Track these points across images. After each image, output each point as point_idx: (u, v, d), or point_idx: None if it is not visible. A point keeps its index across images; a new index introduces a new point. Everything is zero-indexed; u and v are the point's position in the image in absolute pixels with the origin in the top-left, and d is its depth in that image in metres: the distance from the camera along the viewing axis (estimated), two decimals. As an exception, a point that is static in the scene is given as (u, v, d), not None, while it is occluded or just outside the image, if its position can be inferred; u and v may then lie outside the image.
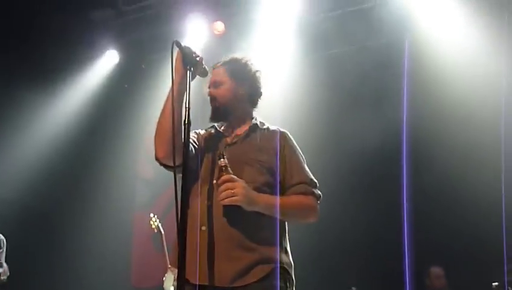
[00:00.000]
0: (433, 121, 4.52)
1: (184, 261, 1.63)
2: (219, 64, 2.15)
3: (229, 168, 1.90)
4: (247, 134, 2.09)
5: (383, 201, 4.46)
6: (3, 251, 3.48)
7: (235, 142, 2.08)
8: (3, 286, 4.19)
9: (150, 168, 5.81)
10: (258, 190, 1.94)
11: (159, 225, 4.49)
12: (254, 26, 5.04)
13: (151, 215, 4.59)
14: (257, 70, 2.17)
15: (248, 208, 1.89)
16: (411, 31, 4.59)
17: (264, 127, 2.14)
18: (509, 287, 3.65)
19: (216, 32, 5.16)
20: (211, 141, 2.11)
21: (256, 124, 2.13)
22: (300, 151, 2.13)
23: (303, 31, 4.97)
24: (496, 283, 3.50)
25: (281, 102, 4.30)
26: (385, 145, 4.41)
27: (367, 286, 4.22)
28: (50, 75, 5.43)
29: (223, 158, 1.91)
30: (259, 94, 2.18)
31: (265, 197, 1.94)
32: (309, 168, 2.11)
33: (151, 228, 4.50)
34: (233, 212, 1.88)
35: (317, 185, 2.09)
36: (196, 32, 5.18)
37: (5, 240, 3.50)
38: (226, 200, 1.85)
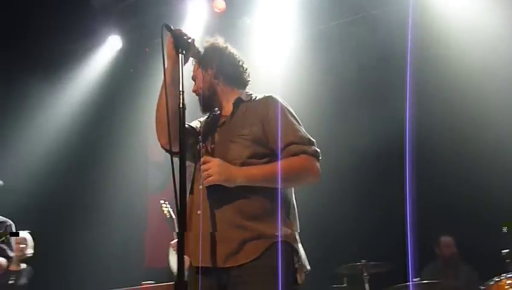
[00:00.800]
0: (439, 87, 4.46)
1: (183, 247, 1.63)
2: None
3: (208, 151, 1.92)
4: (233, 112, 2.05)
5: (389, 174, 4.42)
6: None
7: (223, 123, 2.06)
8: (27, 262, 4.35)
9: (161, 151, 5.85)
10: (245, 164, 1.90)
11: (170, 210, 4.56)
12: (255, 2, 4.98)
13: (162, 201, 4.66)
14: (225, 48, 2.11)
15: (229, 184, 1.87)
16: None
17: (250, 98, 2.08)
18: None
19: (217, 10, 5.11)
20: (207, 127, 2.12)
21: (240, 98, 2.07)
22: (290, 112, 2.02)
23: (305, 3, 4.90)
24: (506, 250, 3.48)
25: (283, 77, 4.28)
26: (390, 115, 4.35)
27: (377, 258, 4.22)
28: (54, 65, 5.46)
29: (200, 142, 1.93)
30: (236, 70, 2.11)
31: (246, 170, 1.89)
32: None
33: (164, 213, 4.58)
34: (219, 193, 1.88)
35: (312, 141, 1.98)
36: (197, 11, 5.14)
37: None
38: (204, 181, 1.87)
